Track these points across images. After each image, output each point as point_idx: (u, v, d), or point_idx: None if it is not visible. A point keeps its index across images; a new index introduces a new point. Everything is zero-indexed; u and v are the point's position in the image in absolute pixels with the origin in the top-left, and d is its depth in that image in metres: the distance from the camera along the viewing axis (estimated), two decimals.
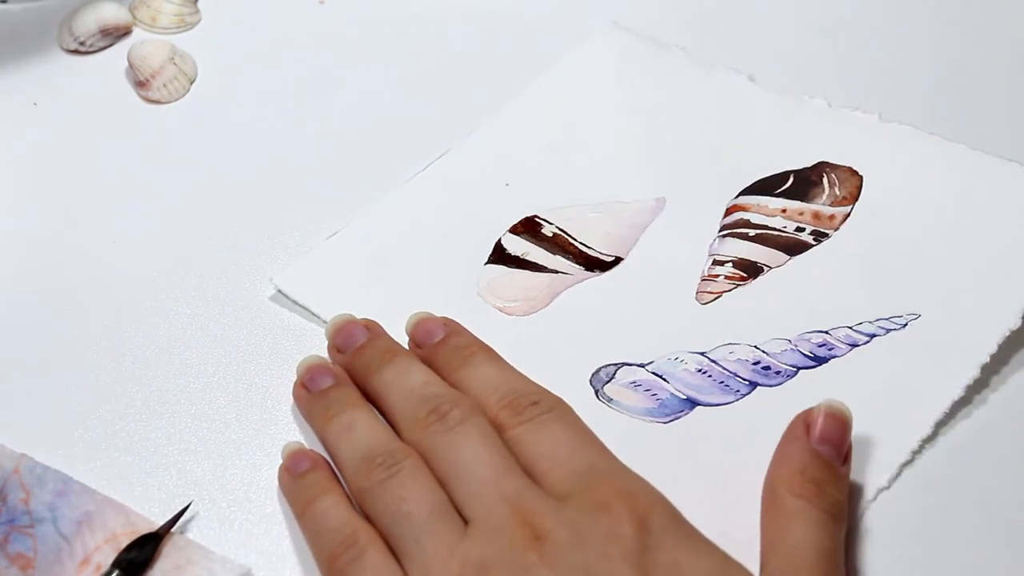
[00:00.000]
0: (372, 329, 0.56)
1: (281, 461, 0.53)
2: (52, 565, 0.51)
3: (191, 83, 0.71)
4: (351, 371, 0.55)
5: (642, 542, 0.46)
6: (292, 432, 0.55)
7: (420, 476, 0.49)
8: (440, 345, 0.55)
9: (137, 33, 0.75)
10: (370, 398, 0.54)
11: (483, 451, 0.49)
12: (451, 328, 0.56)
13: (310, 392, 0.55)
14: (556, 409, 0.51)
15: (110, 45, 0.74)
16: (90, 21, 0.73)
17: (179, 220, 0.64)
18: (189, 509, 0.52)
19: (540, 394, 0.52)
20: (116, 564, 0.50)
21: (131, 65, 0.71)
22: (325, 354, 0.57)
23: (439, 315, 0.57)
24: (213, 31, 0.75)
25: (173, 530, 0.51)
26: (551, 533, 0.46)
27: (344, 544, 0.48)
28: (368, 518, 0.50)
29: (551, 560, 0.45)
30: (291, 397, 0.56)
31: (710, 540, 0.47)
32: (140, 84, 0.70)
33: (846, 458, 0.50)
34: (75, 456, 0.54)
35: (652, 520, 0.46)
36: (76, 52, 0.74)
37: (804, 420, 0.50)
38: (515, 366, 0.56)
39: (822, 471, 0.49)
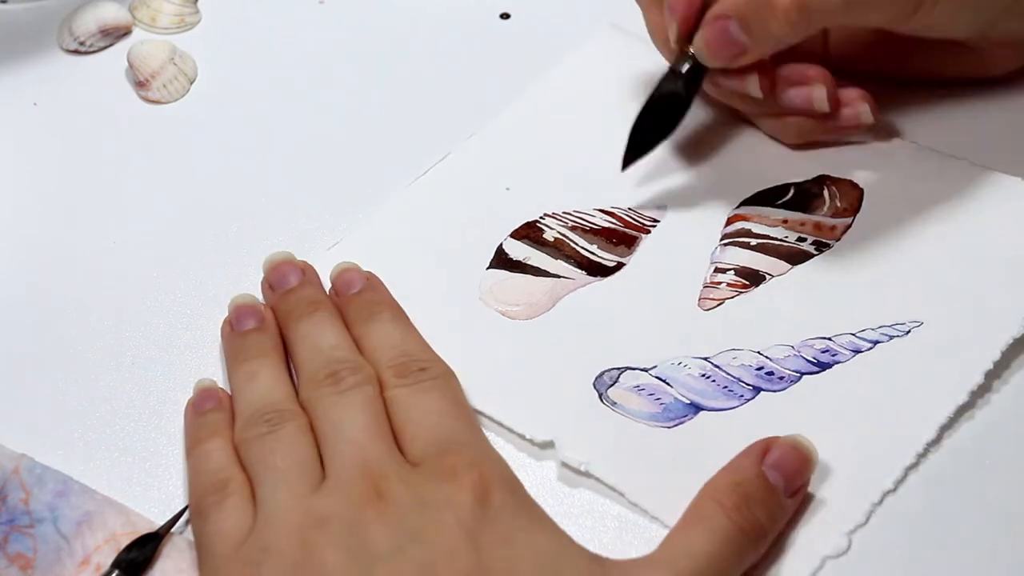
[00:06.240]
0: (307, 275, 0.57)
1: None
2: (52, 565, 0.50)
3: (191, 83, 0.71)
4: (277, 312, 0.57)
5: (479, 512, 0.46)
6: None
7: (298, 435, 0.50)
8: (355, 297, 0.56)
9: (137, 33, 0.74)
10: (286, 343, 0.55)
11: (360, 415, 0.50)
12: (372, 283, 0.57)
13: (233, 331, 0.56)
14: (440, 378, 0.52)
15: (110, 45, 0.74)
16: (90, 21, 0.73)
17: (179, 220, 0.64)
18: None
19: (431, 362, 0.53)
20: (116, 564, 0.50)
21: (131, 65, 0.70)
22: None
23: (436, 316, 0.57)
24: (213, 31, 0.75)
25: (173, 530, 0.51)
26: (393, 494, 0.47)
27: (215, 486, 0.50)
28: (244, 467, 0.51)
29: (387, 519, 0.46)
30: None
31: (554, 523, 0.47)
32: (140, 84, 0.70)
33: (796, 492, 0.49)
34: (75, 456, 0.54)
35: (494, 494, 0.47)
36: (76, 52, 0.73)
37: (766, 443, 0.49)
38: (518, 370, 0.56)
39: (759, 491, 0.48)
